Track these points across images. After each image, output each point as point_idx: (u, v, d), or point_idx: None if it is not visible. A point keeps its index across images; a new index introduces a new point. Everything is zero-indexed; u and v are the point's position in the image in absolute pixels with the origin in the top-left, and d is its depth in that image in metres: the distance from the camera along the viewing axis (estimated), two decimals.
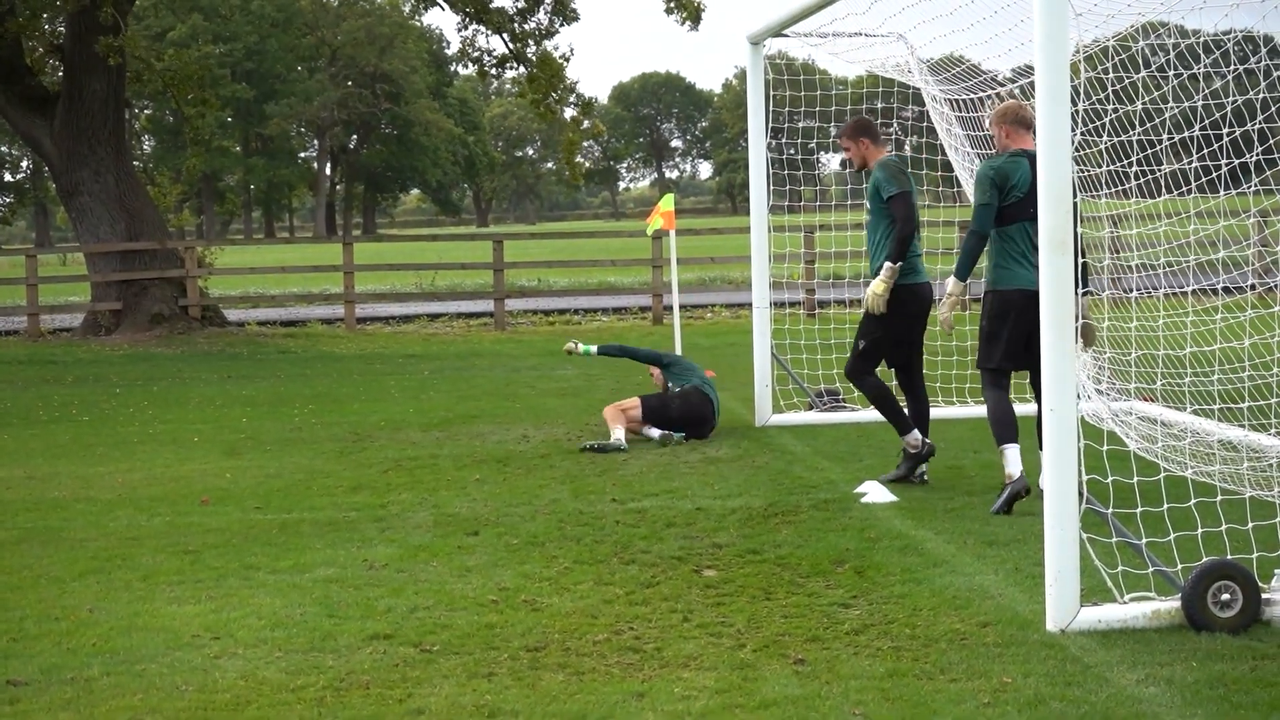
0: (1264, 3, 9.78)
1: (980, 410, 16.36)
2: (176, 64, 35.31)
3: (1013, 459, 11.98)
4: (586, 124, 35.96)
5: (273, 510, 12.69)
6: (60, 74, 33.56)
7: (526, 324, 34.31)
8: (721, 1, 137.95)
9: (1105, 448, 9.46)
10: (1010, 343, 11.95)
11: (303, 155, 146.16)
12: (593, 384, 21.26)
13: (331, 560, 10.65)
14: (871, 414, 16.86)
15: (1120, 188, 11.62)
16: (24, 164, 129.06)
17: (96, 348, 29.61)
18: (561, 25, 34.67)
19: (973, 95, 15.68)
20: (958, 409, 17.24)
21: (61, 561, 10.86)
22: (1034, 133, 9.61)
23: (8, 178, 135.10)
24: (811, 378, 18.86)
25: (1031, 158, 11.72)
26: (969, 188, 14.71)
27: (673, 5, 33.10)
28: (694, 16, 33.10)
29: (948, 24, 13.13)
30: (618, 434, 15.50)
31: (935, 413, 16.83)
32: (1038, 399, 11.93)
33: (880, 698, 7.36)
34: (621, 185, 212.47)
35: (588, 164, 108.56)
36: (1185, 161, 11.33)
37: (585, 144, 36.42)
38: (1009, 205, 11.82)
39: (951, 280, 12.03)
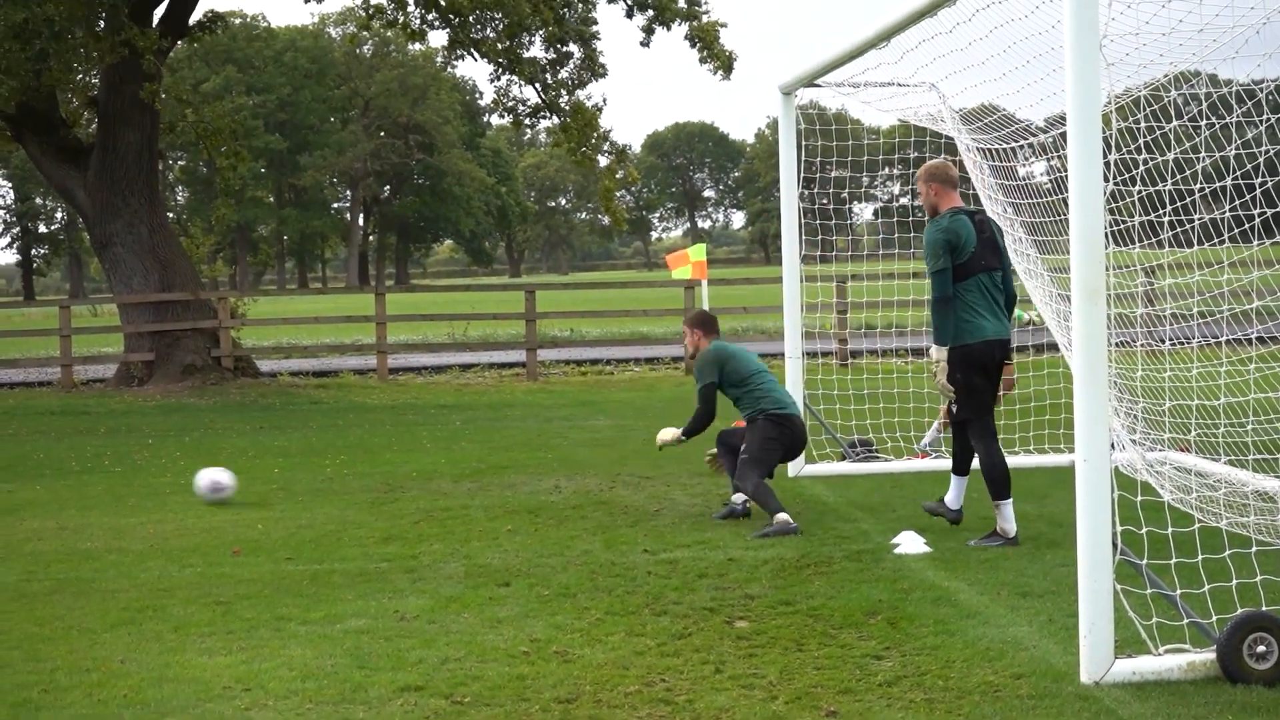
0: None
1: (1015, 461, 16.39)
2: (210, 116, 35.48)
3: (1008, 515, 12.51)
4: (621, 173, 35.97)
5: (304, 561, 12.68)
6: (94, 126, 33.70)
7: (559, 374, 34.27)
8: (754, 51, 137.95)
9: (1139, 499, 9.41)
10: (988, 392, 12.64)
11: (336, 206, 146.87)
12: (625, 435, 21.23)
13: (363, 611, 10.63)
14: (905, 465, 16.88)
15: (1154, 238, 11.59)
16: (58, 215, 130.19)
17: (129, 399, 29.67)
18: (591, 80, 34.75)
19: (1005, 145, 15.66)
20: None
21: (93, 612, 10.86)
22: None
23: (42, 229, 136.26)
24: (844, 428, 18.84)
25: (969, 214, 12.41)
26: (1005, 237, 14.72)
27: (705, 55, 33.20)
28: (726, 66, 33.16)
29: (980, 74, 13.10)
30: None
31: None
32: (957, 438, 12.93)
33: None
34: (654, 235, 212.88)
35: (629, 198, 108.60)
36: (1219, 211, 11.31)
37: (618, 193, 36.35)
38: (961, 264, 12.41)
39: (934, 349, 12.55)
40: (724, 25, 33.27)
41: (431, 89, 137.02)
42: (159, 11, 31.83)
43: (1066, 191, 8.93)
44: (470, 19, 32.22)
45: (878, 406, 19.46)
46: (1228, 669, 8.23)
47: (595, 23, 34.74)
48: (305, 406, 27.97)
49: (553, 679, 8.73)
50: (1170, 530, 9.48)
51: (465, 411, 26.23)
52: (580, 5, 34.26)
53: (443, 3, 31.95)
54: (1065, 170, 9.02)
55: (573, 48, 34.41)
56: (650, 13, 33.41)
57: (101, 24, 29.16)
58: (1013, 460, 16.61)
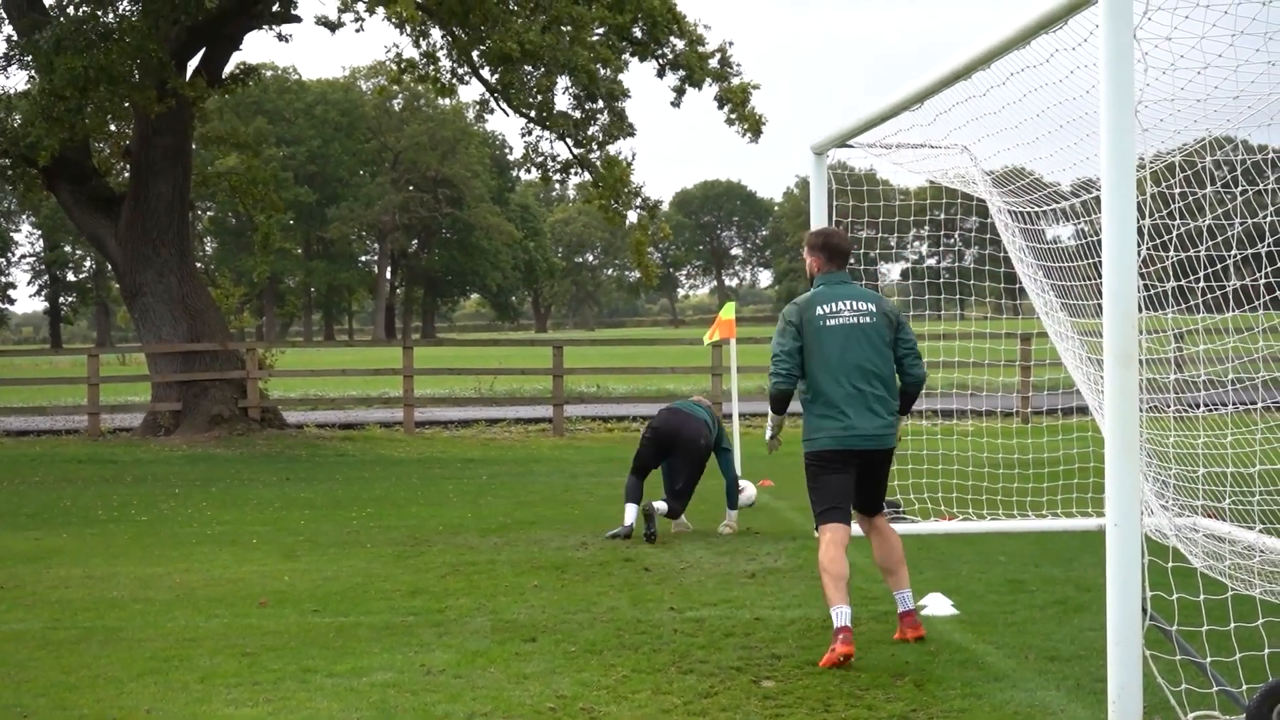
0: None
1: (1044, 524, 16.43)
2: (242, 168, 35.63)
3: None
4: (652, 228, 35.93)
5: (330, 613, 12.68)
6: (126, 175, 33.85)
7: (585, 430, 34.25)
8: (781, 111, 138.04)
9: (1170, 565, 9.39)
10: None
11: (363, 259, 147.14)
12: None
13: (389, 664, 10.62)
14: (931, 526, 16.83)
15: (1187, 303, 11.58)
16: (87, 263, 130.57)
17: (156, 448, 29.73)
18: (620, 138, 34.59)
19: (1035, 209, 15.67)
20: (1019, 522, 17.12)
21: (120, 661, 10.87)
22: None
23: (71, 277, 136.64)
24: None
25: None
26: (1035, 299, 14.75)
27: (734, 117, 33.16)
28: (755, 129, 33.09)
29: (1013, 137, 13.11)
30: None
31: (996, 525, 16.80)
32: None
33: None
34: (681, 292, 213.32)
35: (657, 255, 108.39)
36: (1253, 277, 11.29)
37: (649, 250, 36.25)
38: None
39: None
40: (756, 87, 33.19)
41: (461, 143, 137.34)
42: (193, 63, 31.97)
43: (1096, 256, 8.93)
44: (521, 66, 31.92)
45: (905, 468, 19.38)
46: None
47: (625, 90, 34.46)
48: (331, 458, 28.01)
49: None
50: (1202, 597, 9.46)
51: (492, 466, 26.24)
52: (614, 62, 34.04)
53: (476, 56, 31.98)
54: (1094, 234, 9.02)
55: (600, 104, 34.28)
56: (682, 73, 33.33)
57: (136, 75, 29.24)
58: (1041, 524, 16.67)
